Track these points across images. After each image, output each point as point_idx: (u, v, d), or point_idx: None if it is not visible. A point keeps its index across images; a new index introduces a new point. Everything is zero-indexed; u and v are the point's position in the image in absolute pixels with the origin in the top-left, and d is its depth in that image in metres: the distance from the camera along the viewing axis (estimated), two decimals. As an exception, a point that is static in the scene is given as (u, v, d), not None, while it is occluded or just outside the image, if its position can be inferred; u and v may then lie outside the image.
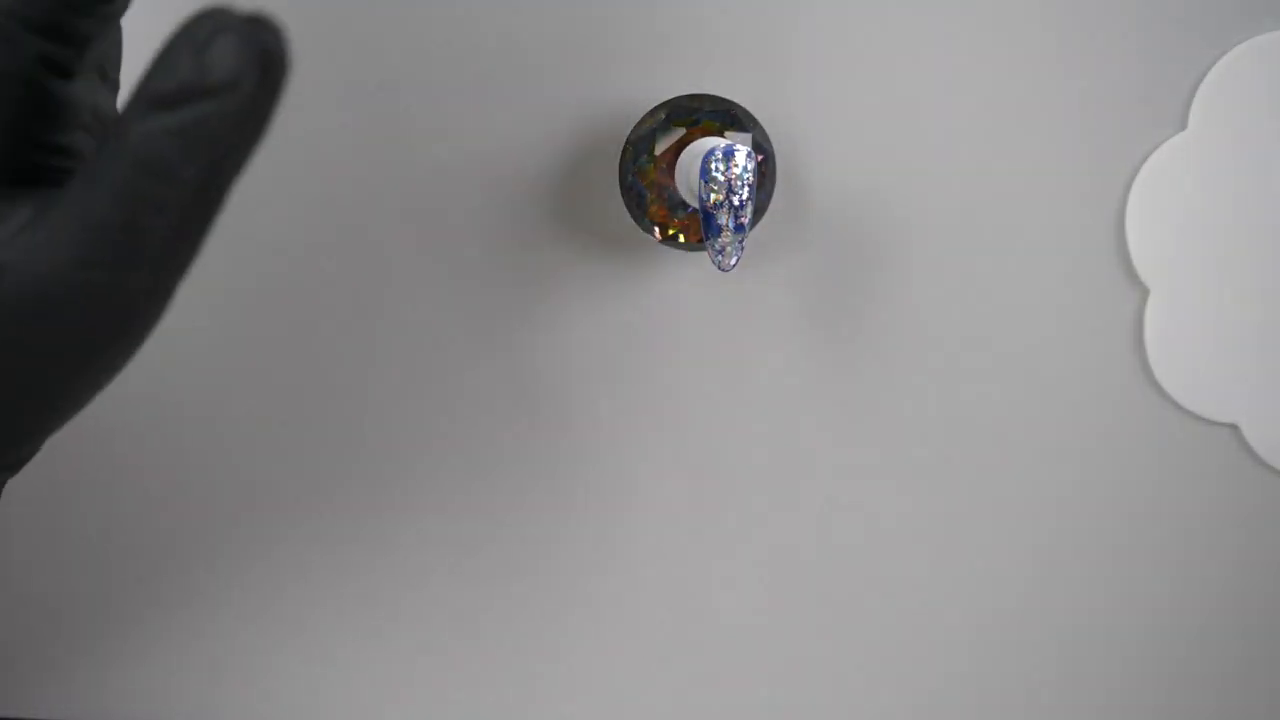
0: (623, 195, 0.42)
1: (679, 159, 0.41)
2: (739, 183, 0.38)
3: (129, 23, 0.42)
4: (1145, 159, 0.44)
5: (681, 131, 0.42)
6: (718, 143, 0.39)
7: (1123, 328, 0.45)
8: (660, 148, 0.42)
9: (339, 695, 0.45)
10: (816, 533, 0.45)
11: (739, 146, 0.38)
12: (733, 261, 0.39)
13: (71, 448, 0.44)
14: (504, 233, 0.43)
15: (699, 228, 0.41)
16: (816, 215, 0.44)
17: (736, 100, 0.42)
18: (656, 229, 0.42)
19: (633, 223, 0.42)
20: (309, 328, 0.43)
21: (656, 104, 0.42)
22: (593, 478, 0.43)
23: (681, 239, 0.42)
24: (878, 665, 0.45)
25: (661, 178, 0.42)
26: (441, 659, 0.44)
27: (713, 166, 0.38)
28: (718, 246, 0.39)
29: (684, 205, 0.42)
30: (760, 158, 0.42)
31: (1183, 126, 0.44)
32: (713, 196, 0.38)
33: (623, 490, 0.44)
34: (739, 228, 0.38)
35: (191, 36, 0.24)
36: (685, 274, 0.44)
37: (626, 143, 0.42)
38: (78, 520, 0.44)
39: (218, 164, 0.24)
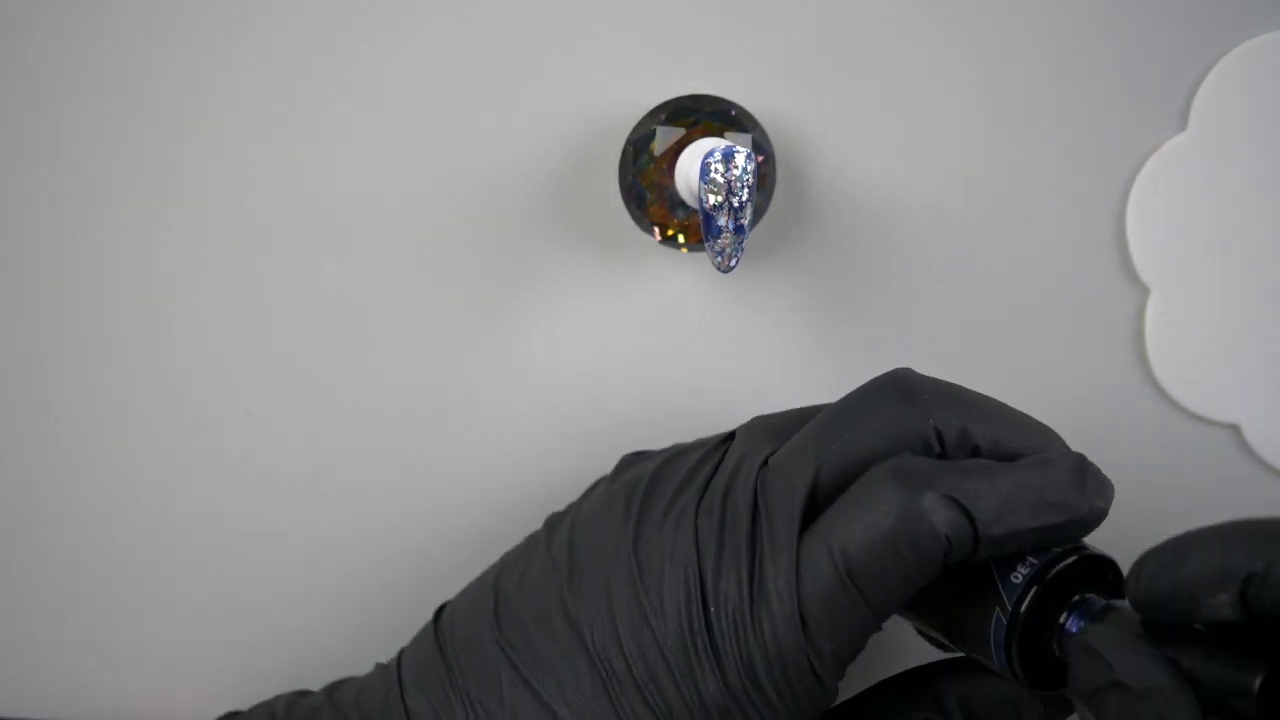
0: (623, 195, 0.42)
1: (679, 159, 0.41)
2: (739, 184, 0.38)
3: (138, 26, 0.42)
4: (1145, 159, 0.44)
5: (681, 132, 0.42)
6: (717, 144, 0.39)
7: (1123, 328, 0.45)
8: (660, 148, 0.42)
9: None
10: (816, 533, 0.45)
11: (739, 148, 0.38)
12: (733, 263, 0.39)
13: (69, 448, 0.44)
14: (503, 233, 0.43)
15: (699, 228, 0.41)
16: (816, 216, 0.44)
17: (736, 100, 0.42)
18: (656, 229, 0.42)
19: (633, 223, 0.42)
20: (305, 328, 0.43)
21: (656, 104, 0.42)
22: (591, 478, 0.43)
23: (681, 240, 0.42)
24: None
25: (661, 178, 0.42)
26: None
27: (712, 168, 0.38)
28: (718, 248, 0.39)
29: (684, 206, 0.42)
30: (760, 158, 0.42)
31: (1183, 126, 0.44)
32: (712, 199, 0.38)
33: (623, 490, 0.44)
34: (739, 229, 0.38)
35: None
36: (685, 274, 0.44)
37: (626, 143, 0.42)
38: (75, 518, 0.44)
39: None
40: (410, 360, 0.44)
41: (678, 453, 0.38)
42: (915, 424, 0.35)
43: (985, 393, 0.37)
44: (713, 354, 0.44)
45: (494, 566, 0.39)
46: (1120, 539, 0.45)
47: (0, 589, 0.44)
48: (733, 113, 0.42)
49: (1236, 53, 0.44)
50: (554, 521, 0.39)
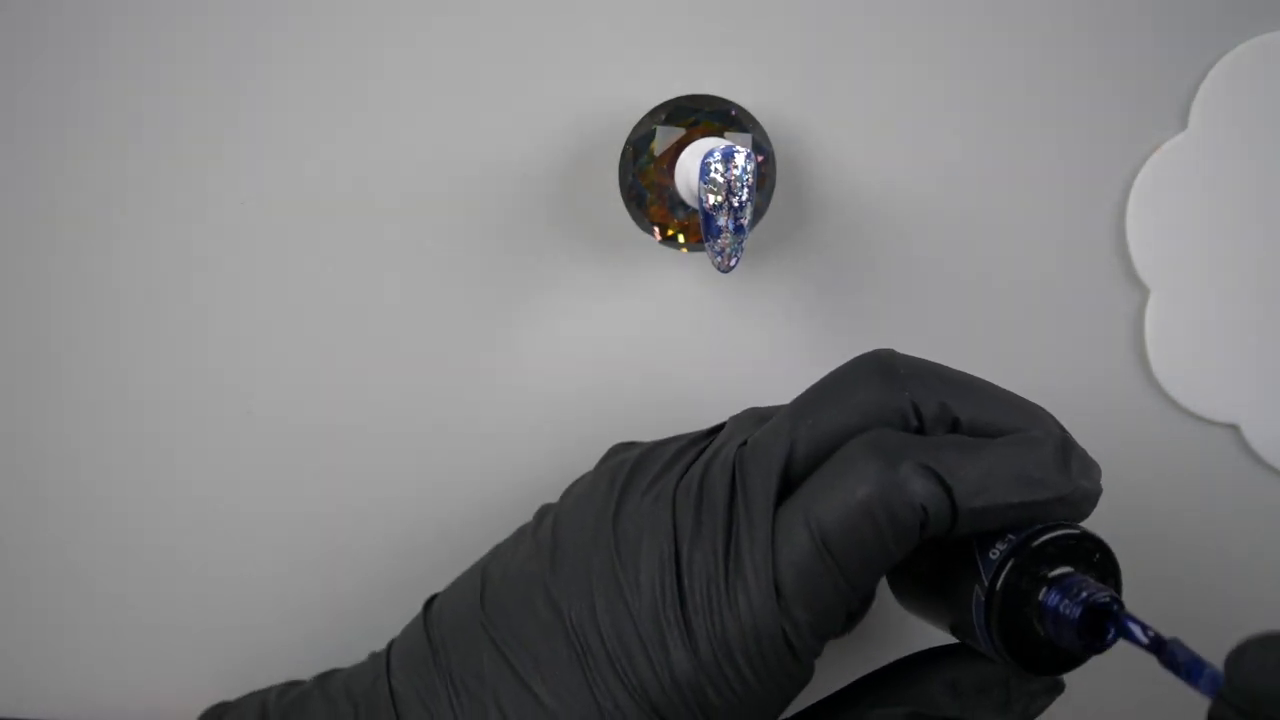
0: (623, 195, 0.42)
1: (679, 159, 0.41)
2: (738, 184, 0.38)
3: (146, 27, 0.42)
4: (1145, 159, 0.44)
5: (681, 132, 0.42)
6: (717, 144, 0.39)
7: (1123, 328, 0.45)
8: (660, 148, 0.42)
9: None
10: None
11: (738, 148, 0.38)
12: (733, 263, 0.39)
13: (70, 446, 0.44)
14: (503, 233, 0.43)
15: (699, 228, 0.41)
16: (816, 216, 0.44)
17: (736, 100, 0.42)
18: (656, 229, 0.42)
19: (633, 223, 0.42)
20: (305, 327, 0.43)
21: (656, 104, 0.42)
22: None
23: (681, 239, 0.42)
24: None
25: (661, 178, 0.42)
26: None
27: (712, 168, 0.38)
28: (718, 248, 0.39)
29: (684, 206, 0.42)
30: (760, 158, 0.42)
31: (1183, 126, 0.44)
32: (712, 198, 0.38)
33: (623, 490, 0.44)
34: (739, 229, 0.38)
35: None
36: (685, 274, 0.44)
37: (626, 143, 0.42)
38: (75, 517, 0.44)
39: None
40: (409, 358, 0.44)
41: (664, 440, 0.38)
42: (892, 400, 0.35)
43: None
44: (712, 353, 0.44)
45: (484, 556, 0.39)
46: (1119, 539, 0.45)
47: (0, 588, 0.44)
48: (733, 113, 0.42)
49: (1236, 53, 0.44)
50: (543, 511, 0.39)
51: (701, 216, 0.38)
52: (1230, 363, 0.45)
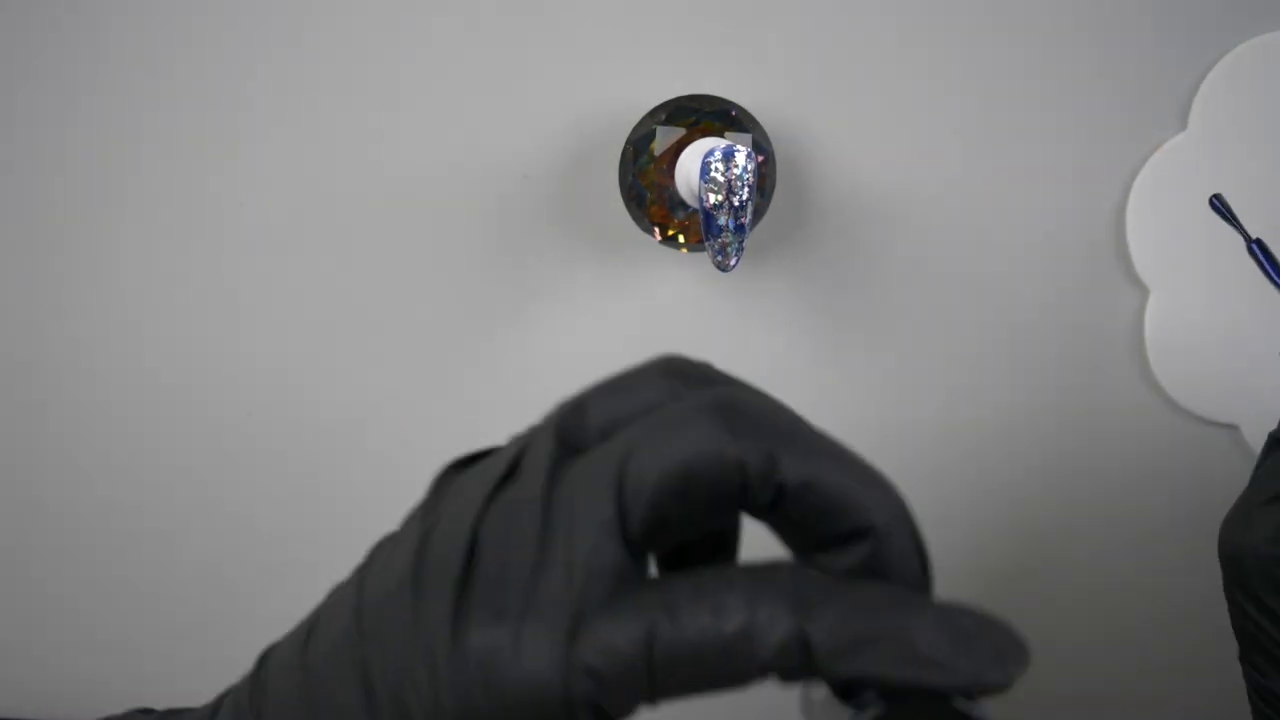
0: (623, 195, 0.42)
1: (679, 159, 0.41)
2: (739, 183, 0.38)
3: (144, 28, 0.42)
4: (1145, 159, 0.44)
5: (681, 131, 0.42)
6: (718, 143, 0.39)
7: (1123, 328, 0.45)
8: (660, 148, 0.42)
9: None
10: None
11: (739, 148, 0.38)
12: (733, 262, 0.39)
13: (70, 448, 0.44)
14: (504, 233, 0.43)
15: (699, 228, 0.41)
16: (816, 216, 0.44)
17: (736, 100, 0.42)
18: (656, 229, 0.42)
19: (633, 223, 0.42)
20: (306, 328, 0.43)
21: (656, 104, 0.42)
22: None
23: (681, 240, 0.42)
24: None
25: (661, 178, 0.42)
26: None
27: (712, 167, 0.38)
28: (718, 247, 0.39)
29: (684, 205, 0.42)
30: (760, 158, 0.42)
31: (1183, 126, 0.44)
32: (712, 198, 0.38)
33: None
34: (739, 228, 0.38)
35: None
36: (685, 274, 0.44)
37: (626, 143, 0.42)
38: (77, 519, 0.44)
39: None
40: (409, 359, 0.44)
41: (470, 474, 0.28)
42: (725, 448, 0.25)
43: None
44: (712, 353, 0.44)
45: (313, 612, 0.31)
46: (1119, 538, 0.45)
47: (1, 589, 0.44)
48: (733, 113, 0.42)
49: (1236, 53, 0.44)
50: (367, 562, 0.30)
51: (702, 216, 0.39)
52: (1230, 363, 0.45)
